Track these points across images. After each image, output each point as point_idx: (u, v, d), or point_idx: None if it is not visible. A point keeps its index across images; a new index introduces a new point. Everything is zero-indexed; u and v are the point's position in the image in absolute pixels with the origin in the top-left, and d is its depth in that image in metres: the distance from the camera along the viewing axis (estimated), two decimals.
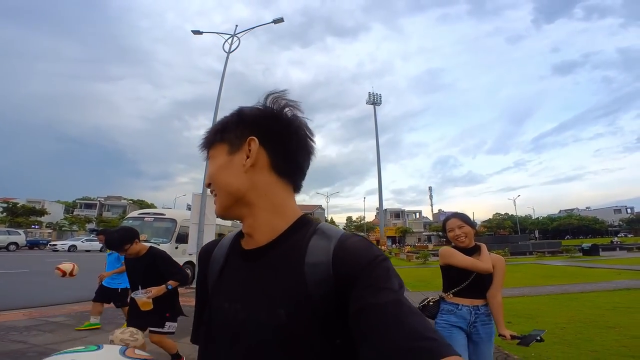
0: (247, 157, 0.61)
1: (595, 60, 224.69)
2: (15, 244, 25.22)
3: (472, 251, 2.23)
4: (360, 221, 73.57)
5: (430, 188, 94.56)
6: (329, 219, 69.64)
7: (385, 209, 72.49)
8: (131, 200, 72.83)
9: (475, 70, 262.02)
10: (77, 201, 68.40)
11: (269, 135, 0.62)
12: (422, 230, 77.12)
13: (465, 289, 2.19)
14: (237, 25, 12.76)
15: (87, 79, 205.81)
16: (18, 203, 46.60)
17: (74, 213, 61.24)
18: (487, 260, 2.17)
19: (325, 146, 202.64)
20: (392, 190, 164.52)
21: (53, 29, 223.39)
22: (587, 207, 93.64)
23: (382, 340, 0.44)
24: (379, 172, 35.38)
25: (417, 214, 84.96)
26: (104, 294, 4.98)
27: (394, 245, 56.77)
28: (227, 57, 12.15)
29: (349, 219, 77.44)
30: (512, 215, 76.50)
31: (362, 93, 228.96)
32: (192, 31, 13.71)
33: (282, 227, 0.61)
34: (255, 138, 0.61)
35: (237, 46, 12.40)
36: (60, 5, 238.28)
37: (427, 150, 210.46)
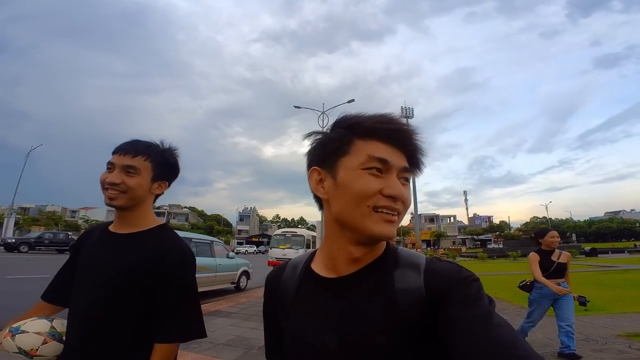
0: None
1: None
2: None
3: (553, 251, 3.64)
4: None
5: (465, 192, 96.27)
6: None
7: (420, 214, 75.99)
8: (187, 207, 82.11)
9: (510, 67, 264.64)
10: None
11: None
12: (456, 234, 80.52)
13: (551, 274, 3.51)
14: (324, 104, 19.84)
15: (135, 92, 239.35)
16: None
17: None
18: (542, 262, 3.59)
19: None
20: (426, 193, 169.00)
21: (105, 46, 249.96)
22: (632, 210, 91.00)
23: (475, 351, 0.44)
24: (413, 180, 39.79)
25: (452, 218, 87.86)
26: None
27: (428, 248, 60.74)
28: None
29: None
30: (550, 218, 77.36)
31: (390, 95, 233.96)
32: (294, 106, 18.03)
33: (368, 258, 0.61)
34: None
35: (327, 122, 15.54)
36: (110, 23, 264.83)
37: (461, 150, 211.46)
